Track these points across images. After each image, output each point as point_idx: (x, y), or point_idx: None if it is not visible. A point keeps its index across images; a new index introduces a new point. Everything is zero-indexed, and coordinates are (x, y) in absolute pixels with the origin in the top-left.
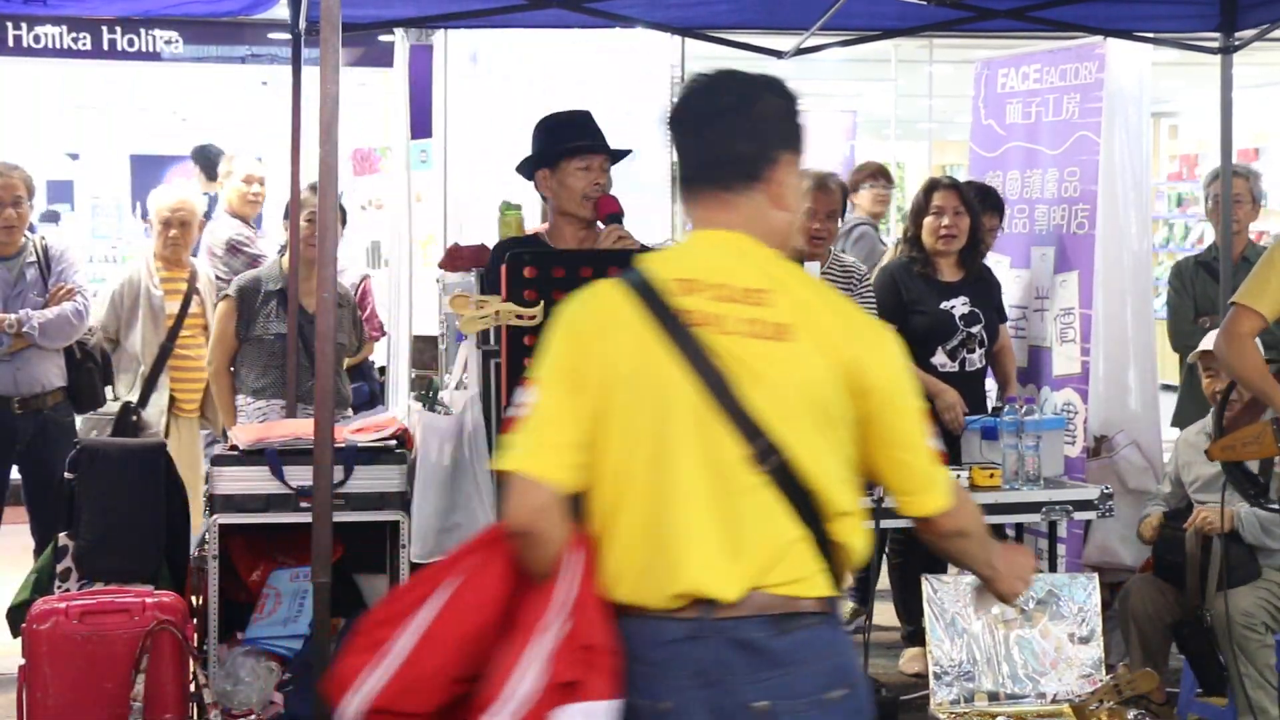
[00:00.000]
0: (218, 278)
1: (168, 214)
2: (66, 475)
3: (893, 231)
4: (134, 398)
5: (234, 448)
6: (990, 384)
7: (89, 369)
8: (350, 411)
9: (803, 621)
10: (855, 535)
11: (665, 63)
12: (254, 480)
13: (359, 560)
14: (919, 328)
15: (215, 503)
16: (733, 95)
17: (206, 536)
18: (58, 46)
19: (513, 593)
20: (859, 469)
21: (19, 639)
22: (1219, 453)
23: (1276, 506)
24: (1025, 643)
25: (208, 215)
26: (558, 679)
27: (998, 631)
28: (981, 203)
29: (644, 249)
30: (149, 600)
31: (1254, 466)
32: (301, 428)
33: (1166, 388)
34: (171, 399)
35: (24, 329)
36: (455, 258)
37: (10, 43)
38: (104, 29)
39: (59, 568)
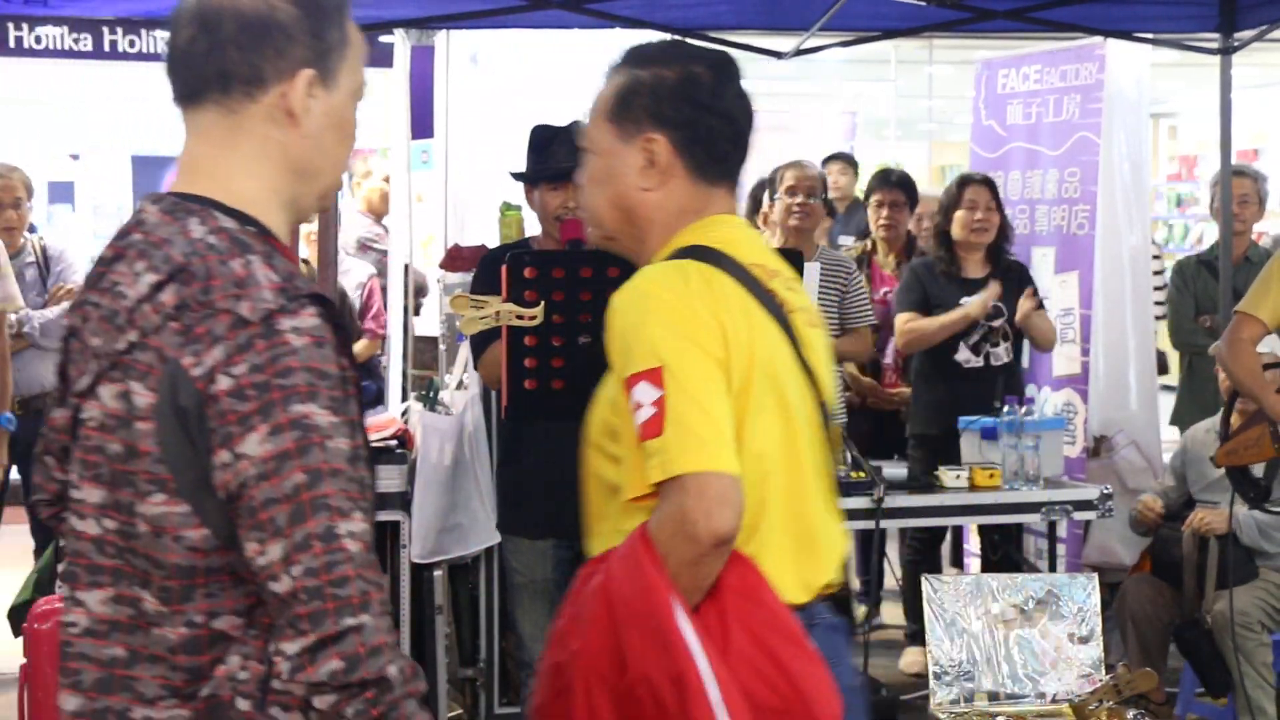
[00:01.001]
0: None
1: None
2: None
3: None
4: None
5: None
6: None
7: None
8: None
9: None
10: None
11: None
12: None
13: None
14: None
15: None
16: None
17: None
18: (59, 47)
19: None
20: None
21: (20, 639)
22: (1224, 458)
23: (1278, 510)
24: (1025, 642)
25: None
26: None
27: (997, 631)
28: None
29: None
30: None
31: (1258, 470)
32: None
33: (1166, 388)
34: None
35: (24, 329)
36: (456, 258)
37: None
38: (105, 30)
39: (60, 568)
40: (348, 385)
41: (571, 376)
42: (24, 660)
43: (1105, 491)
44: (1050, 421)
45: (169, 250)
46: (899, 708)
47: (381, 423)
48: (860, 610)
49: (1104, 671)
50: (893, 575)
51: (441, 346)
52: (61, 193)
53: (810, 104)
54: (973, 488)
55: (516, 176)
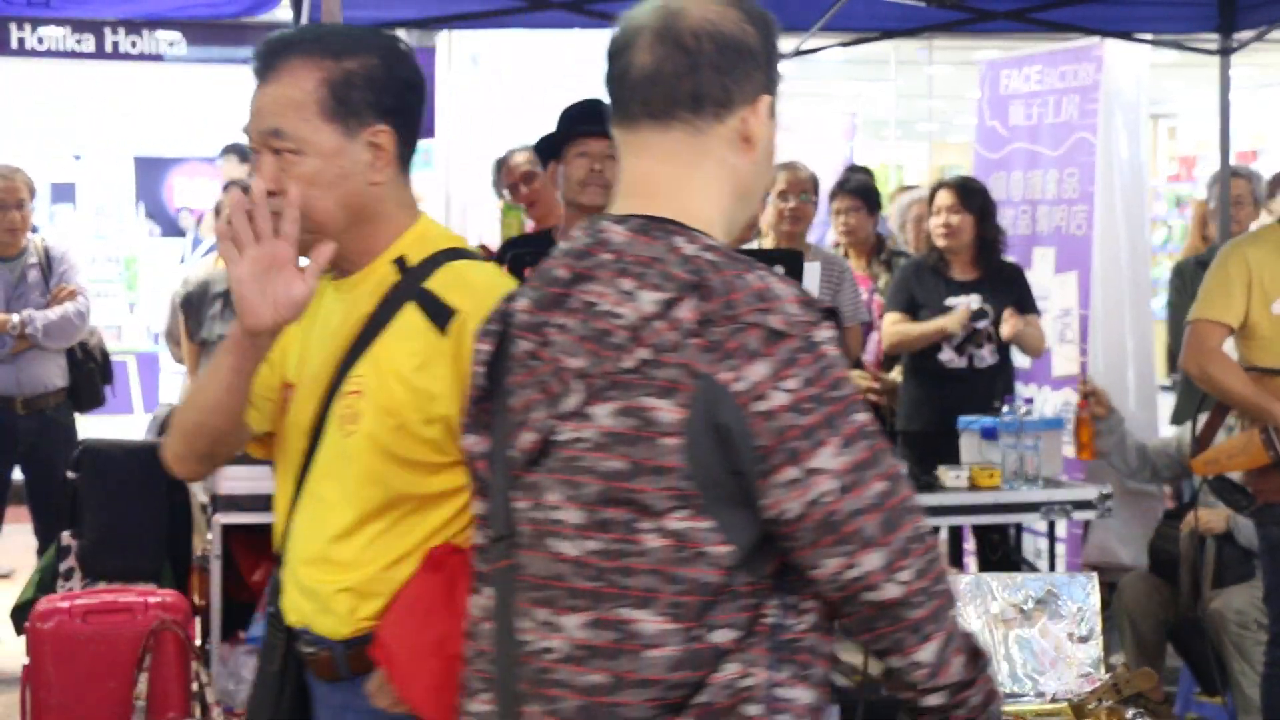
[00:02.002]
0: None
1: None
2: (69, 475)
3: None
4: None
5: None
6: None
7: (90, 369)
8: None
9: None
10: None
11: None
12: (257, 479)
13: None
14: None
15: (218, 502)
16: None
17: (210, 536)
18: (61, 48)
19: None
20: None
21: (23, 638)
22: (1202, 468)
23: None
24: (1024, 642)
25: None
26: None
27: (996, 631)
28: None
29: None
30: (152, 599)
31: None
32: None
33: (1165, 388)
34: None
35: (27, 330)
36: None
37: (13, 44)
38: (107, 30)
39: (62, 567)
40: None
41: None
42: (26, 660)
43: (1104, 492)
44: (1050, 421)
45: (666, 268)
46: (899, 707)
47: None
48: None
49: (1103, 671)
50: None
51: None
52: (64, 193)
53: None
54: (972, 487)
55: (541, 148)
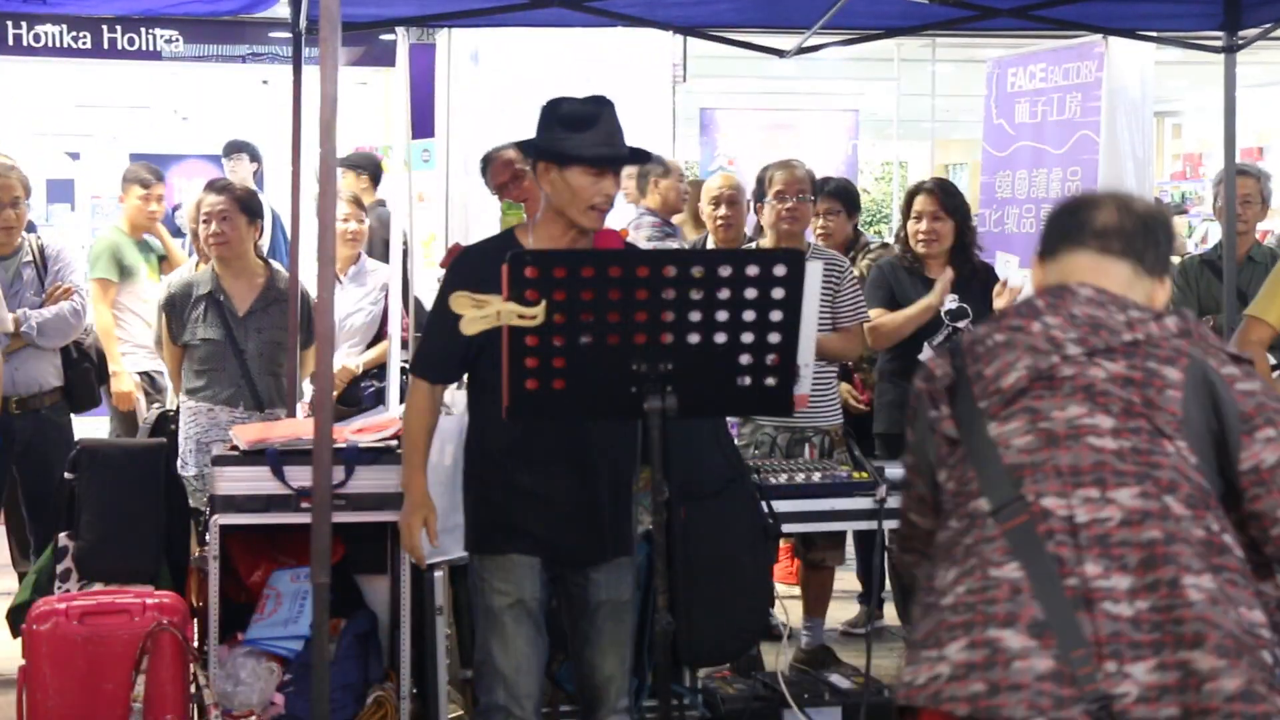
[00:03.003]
0: None
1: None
2: (66, 475)
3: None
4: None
5: (234, 448)
6: None
7: (85, 369)
8: (282, 413)
9: None
10: None
11: (667, 62)
12: (254, 481)
13: (360, 561)
14: None
15: (216, 503)
16: None
17: (208, 537)
18: (58, 45)
19: None
20: None
21: (19, 640)
22: None
23: None
24: None
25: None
26: None
27: None
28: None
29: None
30: (149, 601)
31: None
32: (302, 428)
33: None
34: None
35: (22, 328)
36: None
37: (10, 41)
38: (104, 28)
39: (59, 568)
40: None
41: (573, 377)
42: (23, 662)
43: None
44: None
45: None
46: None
47: (381, 423)
48: (861, 610)
49: None
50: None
51: None
52: (60, 191)
53: (812, 103)
54: None
55: (540, 152)
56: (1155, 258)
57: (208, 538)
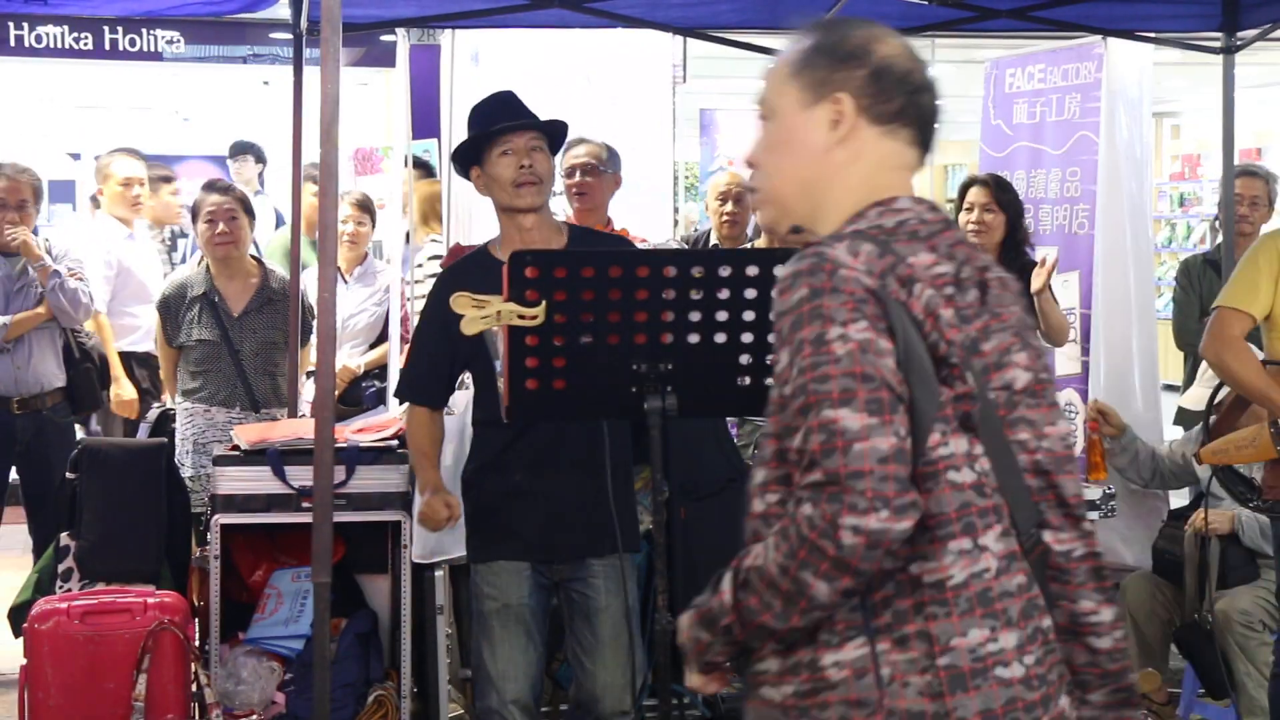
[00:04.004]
0: None
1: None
2: (68, 475)
3: None
4: None
5: (235, 448)
6: None
7: (87, 370)
8: (278, 413)
9: None
10: None
11: (667, 63)
12: (255, 480)
13: (360, 560)
14: None
15: (217, 503)
16: None
17: (209, 537)
18: (59, 46)
19: None
20: None
21: (20, 639)
22: (1209, 457)
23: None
24: None
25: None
26: None
27: None
28: None
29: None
30: (150, 600)
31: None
32: (303, 428)
33: (1168, 388)
34: None
35: (49, 284)
36: (457, 258)
37: (12, 42)
38: (105, 29)
39: (60, 568)
40: None
41: (573, 376)
42: (24, 661)
43: (1108, 491)
44: None
45: None
46: None
47: (382, 423)
48: None
49: None
50: None
51: None
52: (62, 192)
53: None
54: None
55: (461, 160)
56: None
57: (209, 537)
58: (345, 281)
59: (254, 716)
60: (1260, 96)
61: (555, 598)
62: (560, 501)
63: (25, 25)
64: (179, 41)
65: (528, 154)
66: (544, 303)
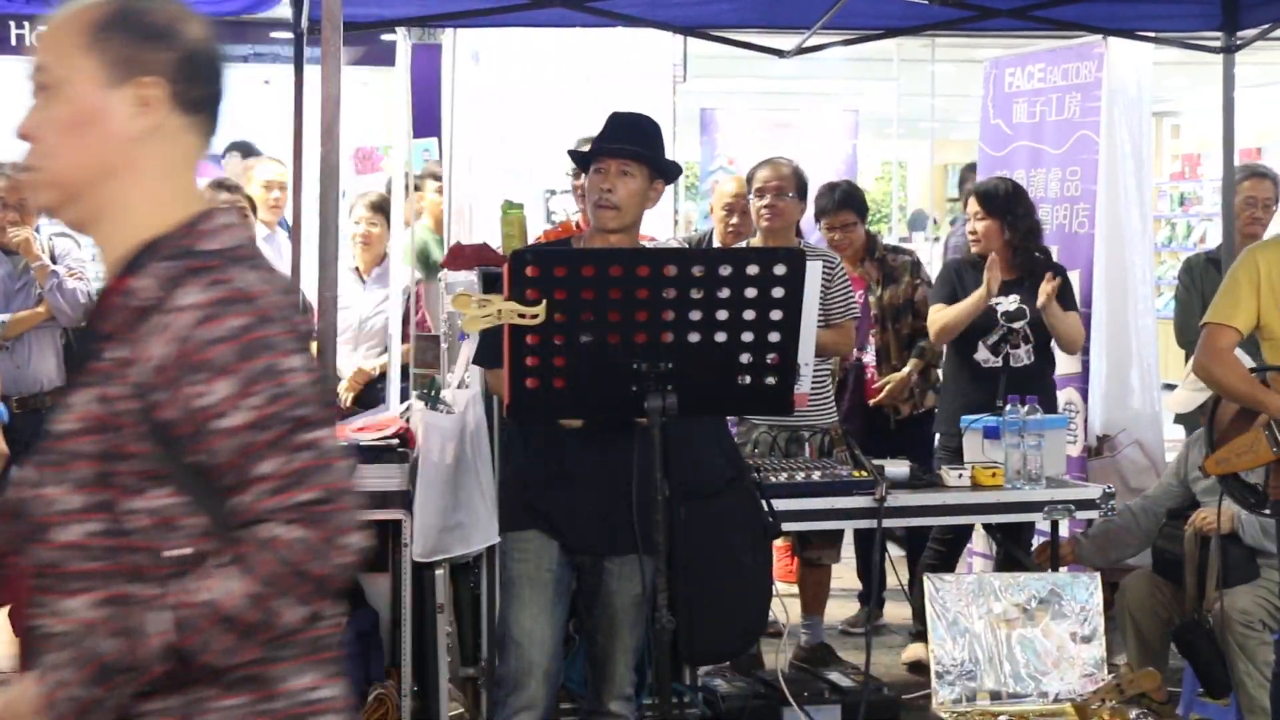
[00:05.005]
0: None
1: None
2: None
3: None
4: None
5: None
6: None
7: None
8: None
9: None
10: None
11: (667, 62)
12: None
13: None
14: None
15: None
16: None
17: None
18: None
19: None
20: None
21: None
22: (1214, 467)
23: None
24: (1027, 642)
25: None
26: None
27: (999, 631)
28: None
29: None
30: None
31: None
32: None
33: (1168, 387)
34: None
35: (46, 285)
36: (457, 256)
37: (12, 41)
38: None
39: None
40: None
41: (573, 375)
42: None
43: (1108, 491)
44: (1053, 420)
45: None
46: (901, 707)
47: (383, 421)
48: (860, 610)
49: (1106, 671)
50: (894, 575)
51: (443, 345)
52: None
53: (812, 103)
54: (975, 487)
55: (578, 159)
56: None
57: None
58: (363, 282)
59: None
60: (1260, 96)
61: (575, 581)
62: (586, 495)
63: (26, 25)
64: None
65: (614, 178)
66: (544, 301)
